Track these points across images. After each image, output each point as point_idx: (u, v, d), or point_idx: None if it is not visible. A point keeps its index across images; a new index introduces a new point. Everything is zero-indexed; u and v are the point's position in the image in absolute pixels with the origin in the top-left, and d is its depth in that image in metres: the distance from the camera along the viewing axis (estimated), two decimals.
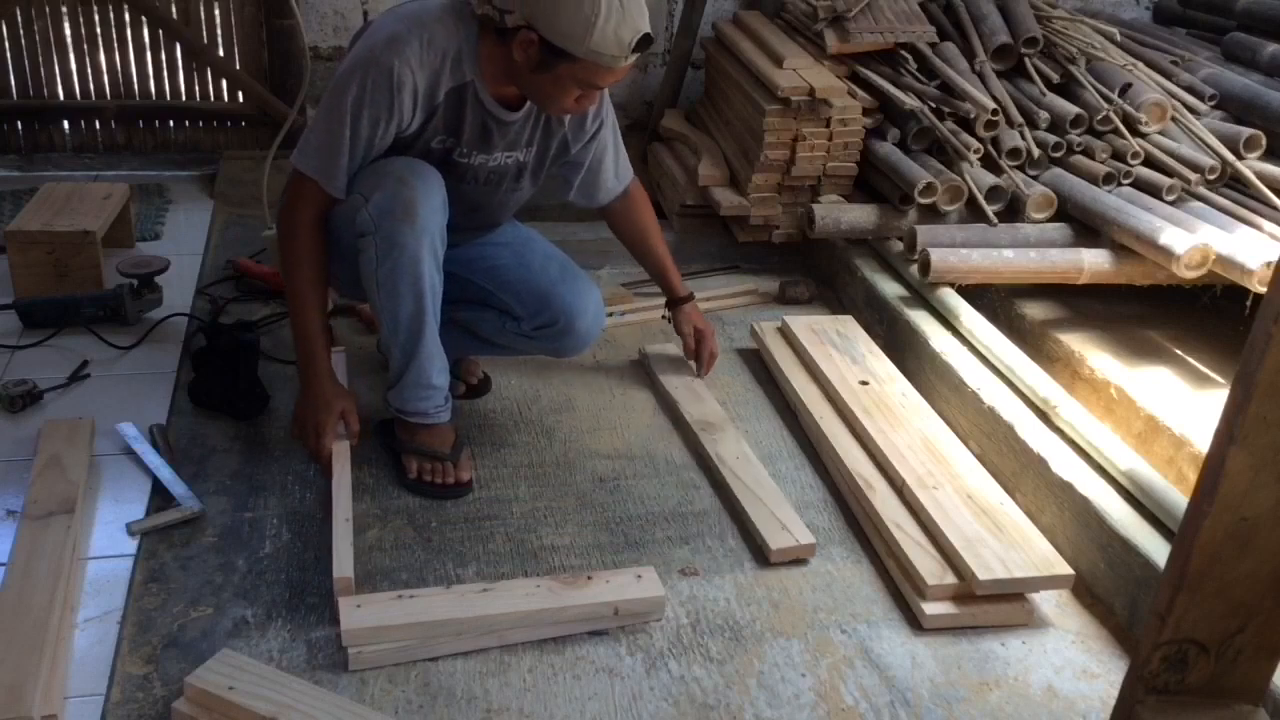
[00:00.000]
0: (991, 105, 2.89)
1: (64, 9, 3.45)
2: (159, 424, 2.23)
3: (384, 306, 2.01)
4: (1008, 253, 2.69)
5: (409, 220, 1.93)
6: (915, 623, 1.87)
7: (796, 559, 1.99)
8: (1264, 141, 2.83)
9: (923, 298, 2.72)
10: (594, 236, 3.04)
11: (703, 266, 3.19)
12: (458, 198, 2.06)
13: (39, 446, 2.07)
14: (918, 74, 3.10)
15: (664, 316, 2.56)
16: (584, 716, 1.63)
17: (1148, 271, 2.66)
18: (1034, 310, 2.75)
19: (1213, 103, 3.02)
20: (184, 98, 3.63)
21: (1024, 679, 1.77)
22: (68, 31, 3.48)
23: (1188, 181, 2.77)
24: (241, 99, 3.65)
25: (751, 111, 3.09)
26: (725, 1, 3.77)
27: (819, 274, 3.18)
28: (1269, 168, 2.78)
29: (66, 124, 3.62)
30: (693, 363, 2.53)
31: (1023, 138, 2.92)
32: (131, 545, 1.89)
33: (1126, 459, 2.02)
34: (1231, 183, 2.84)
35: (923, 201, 2.84)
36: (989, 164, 2.93)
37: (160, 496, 2.02)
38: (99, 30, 3.49)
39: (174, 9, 3.50)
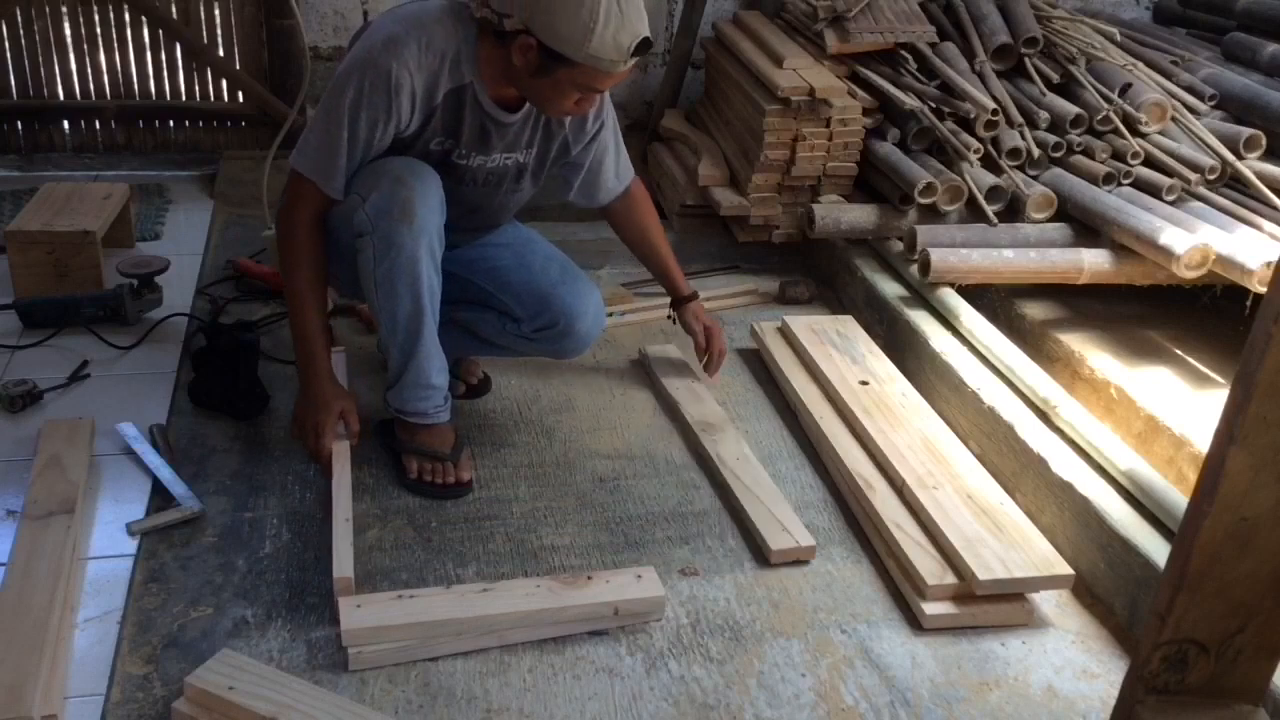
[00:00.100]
0: (991, 105, 2.88)
1: (64, 9, 3.45)
2: (159, 424, 2.23)
3: (382, 306, 2.01)
4: (1008, 253, 2.69)
5: (406, 220, 1.93)
6: (915, 623, 1.87)
7: (797, 560, 1.99)
8: (1264, 141, 2.83)
9: (923, 298, 2.72)
10: (594, 236, 3.04)
11: (703, 266, 3.19)
12: (457, 199, 2.06)
13: (39, 446, 2.07)
14: (918, 74, 3.10)
15: (669, 316, 2.51)
16: (584, 716, 1.63)
17: (1148, 271, 2.66)
18: (1034, 310, 2.75)
19: (1213, 103, 3.02)
20: (184, 98, 3.63)
21: (1024, 679, 1.77)
22: (68, 31, 3.48)
23: (1188, 181, 2.77)
24: (241, 99, 3.65)
25: (751, 111, 3.09)
26: (725, 1, 3.76)
27: (819, 274, 3.18)
28: (1269, 168, 2.78)
29: (66, 124, 3.62)
30: (702, 362, 2.47)
31: (1023, 138, 2.92)
32: (131, 545, 1.89)
33: (1126, 459, 2.02)
34: (1231, 183, 2.84)
35: (923, 201, 2.84)
36: (989, 164, 2.93)
37: (160, 496, 2.02)
38: (99, 30, 3.49)
39: (174, 9, 3.50)
